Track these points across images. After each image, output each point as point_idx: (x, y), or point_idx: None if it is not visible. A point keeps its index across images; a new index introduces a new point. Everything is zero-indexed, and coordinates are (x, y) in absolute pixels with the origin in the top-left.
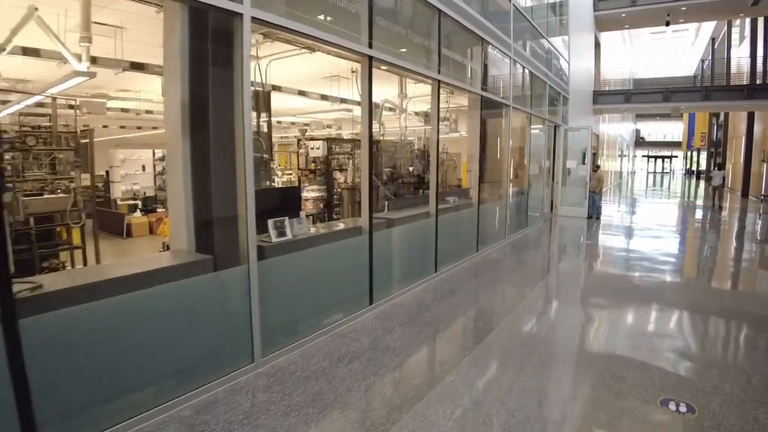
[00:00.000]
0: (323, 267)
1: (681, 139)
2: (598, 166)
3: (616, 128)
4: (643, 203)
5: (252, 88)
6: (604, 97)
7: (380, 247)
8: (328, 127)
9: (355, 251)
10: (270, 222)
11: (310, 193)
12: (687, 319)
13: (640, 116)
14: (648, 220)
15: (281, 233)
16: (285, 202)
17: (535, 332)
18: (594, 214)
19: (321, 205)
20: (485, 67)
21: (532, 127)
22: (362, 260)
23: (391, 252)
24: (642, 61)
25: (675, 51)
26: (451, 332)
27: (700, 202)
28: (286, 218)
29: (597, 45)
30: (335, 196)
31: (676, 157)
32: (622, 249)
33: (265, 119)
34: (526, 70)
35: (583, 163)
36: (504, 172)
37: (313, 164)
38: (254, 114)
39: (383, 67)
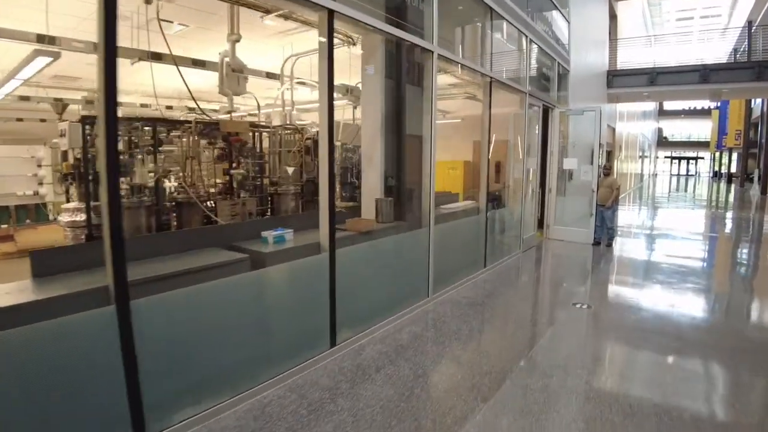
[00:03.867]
0: None
1: (708, 139)
2: (610, 167)
3: (637, 126)
4: (676, 217)
5: None
6: (622, 79)
7: None
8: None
9: None
10: None
11: (67, 215)
12: None
13: (663, 114)
14: (693, 249)
15: None
16: None
17: None
18: (603, 238)
19: (83, 237)
20: None
21: (493, 99)
22: None
23: None
24: (666, 50)
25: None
26: None
27: (738, 213)
28: None
29: (613, 17)
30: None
31: (701, 158)
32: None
33: None
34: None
35: (591, 162)
36: (428, 174)
37: (65, 164)
38: None
39: None
